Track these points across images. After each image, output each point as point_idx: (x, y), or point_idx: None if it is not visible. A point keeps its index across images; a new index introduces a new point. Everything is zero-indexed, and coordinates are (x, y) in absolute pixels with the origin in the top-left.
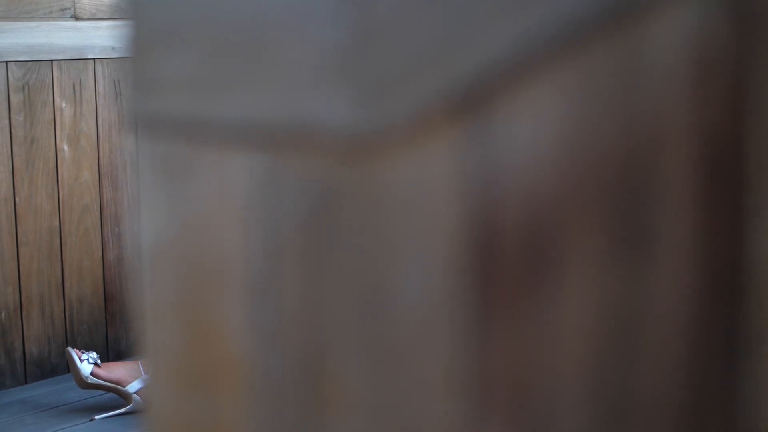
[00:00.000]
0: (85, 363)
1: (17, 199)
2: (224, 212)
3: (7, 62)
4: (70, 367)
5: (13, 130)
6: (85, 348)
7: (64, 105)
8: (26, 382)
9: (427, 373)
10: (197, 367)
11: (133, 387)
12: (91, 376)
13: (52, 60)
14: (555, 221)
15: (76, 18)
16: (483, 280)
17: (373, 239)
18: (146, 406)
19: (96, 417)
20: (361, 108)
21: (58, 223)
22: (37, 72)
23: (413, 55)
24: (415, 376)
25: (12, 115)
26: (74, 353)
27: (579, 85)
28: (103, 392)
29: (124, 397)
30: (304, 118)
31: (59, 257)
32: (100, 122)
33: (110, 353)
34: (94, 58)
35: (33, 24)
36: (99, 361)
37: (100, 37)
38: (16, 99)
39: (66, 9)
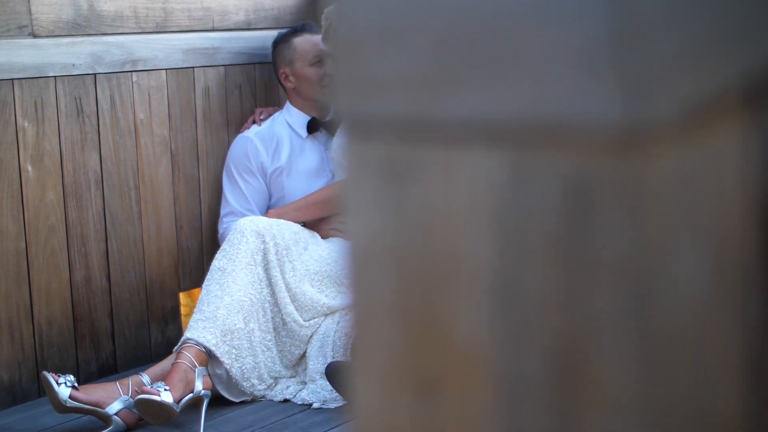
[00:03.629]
0: (63, 386)
1: None
2: (457, 212)
3: None
4: (46, 392)
5: None
6: (56, 371)
7: (26, 124)
8: None
9: (713, 365)
10: (423, 372)
11: (112, 408)
12: (69, 400)
13: (12, 79)
14: None
15: (34, 35)
16: None
17: (641, 232)
18: (354, 414)
19: None
20: (630, 102)
21: (24, 245)
22: None
23: (687, 48)
24: (698, 369)
25: None
26: (50, 377)
27: None
28: (80, 415)
29: (104, 420)
30: (559, 112)
31: (26, 280)
32: (63, 140)
33: (81, 375)
34: (54, 76)
35: None
36: (76, 384)
37: (60, 54)
38: None
39: (23, 26)
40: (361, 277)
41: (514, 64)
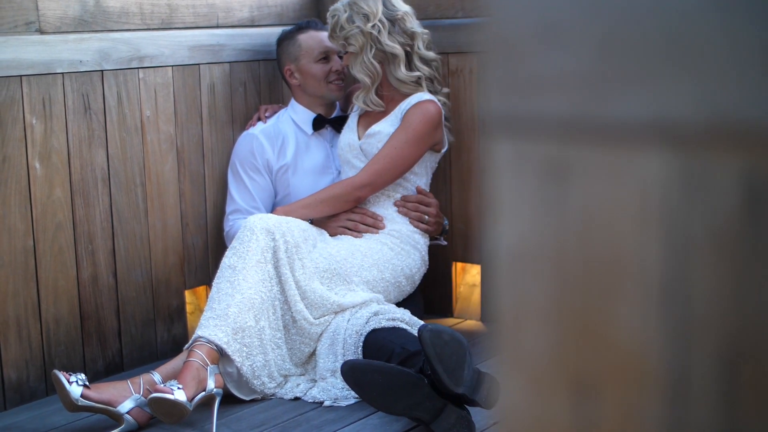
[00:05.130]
0: (74, 385)
1: None
2: (622, 213)
3: None
4: (57, 391)
5: None
6: (63, 369)
7: (34, 121)
8: (6, 409)
9: None
10: (580, 372)
11: (124, 407)
12: (81, 399)
13: (21, 75)
14: None
15: (41, 32)
16: None
17: None
18: (502, 413)
19: None
20: None
21: (32, 243)
22: (7, 88)
23: None
24: None
25: None
26: (62, 376)
27: None
28: (90, 414)
29: (115, 419)
30: (739, 113)
31: (34, 277)
32: (70, 138)
33: (88, 373)
34: (62, 73)
35: (1, 39)
36: (87, 383)
37: (67, 50)
38: None
39: (31, 23)
40: (512, 277)
41: (690, 64)
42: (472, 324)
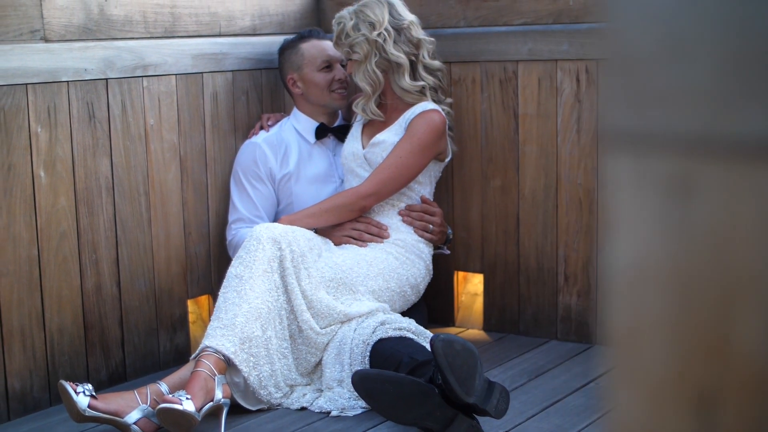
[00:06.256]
0: (81, 395)
1: None
2: (749, 229)
3: None
4: (64, 401)
5: None
6: (67, 379)
7: (39, 129)
8: (9, 419)
9: None
10: (701, 387)
11: (131, 418)
12: (88, 409)
13: (26, 84)
14: None
15: (46, 40)
16: None
17: None
18: (615, 428)
19: None
20: None
21: (36, 252)
22: (12, 96)
23: None
24: None
25: None
26: (68, 386)
27: None
28: (96, 424)
29: (122, 429)
30: None
31: (38, 287)
32: (75, 146)
33: (91, 383)
34: (67, 81)
35: (7, 47)
36: (94, 393)
37: (72, 59)
38: None
39: (35, 31)
40: (630, 294)
41: None
42: (474, 333)
